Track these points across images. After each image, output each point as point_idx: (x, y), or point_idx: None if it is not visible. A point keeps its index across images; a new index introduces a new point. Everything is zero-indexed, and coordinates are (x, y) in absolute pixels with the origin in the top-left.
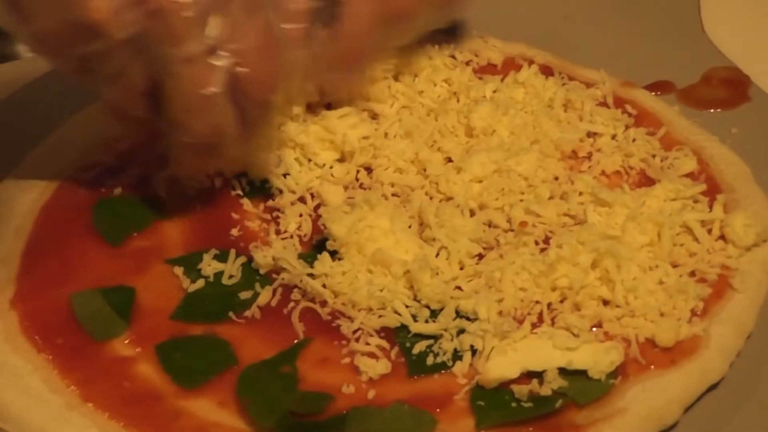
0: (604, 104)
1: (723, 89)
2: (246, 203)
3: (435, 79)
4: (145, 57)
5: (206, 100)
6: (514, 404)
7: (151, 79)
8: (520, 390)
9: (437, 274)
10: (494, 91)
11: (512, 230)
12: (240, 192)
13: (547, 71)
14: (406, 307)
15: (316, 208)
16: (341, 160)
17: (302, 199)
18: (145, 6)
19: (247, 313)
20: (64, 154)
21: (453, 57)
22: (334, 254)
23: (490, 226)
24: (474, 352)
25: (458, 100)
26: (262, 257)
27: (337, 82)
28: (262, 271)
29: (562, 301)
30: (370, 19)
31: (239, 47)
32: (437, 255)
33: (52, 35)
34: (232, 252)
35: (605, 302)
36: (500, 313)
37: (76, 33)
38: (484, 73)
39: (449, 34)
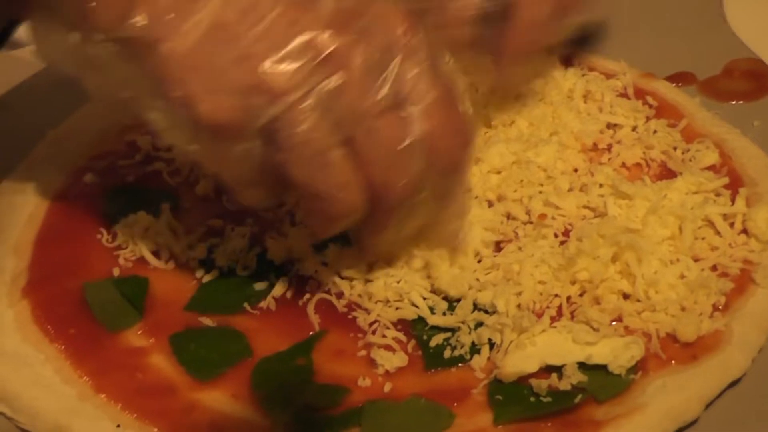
0: (624, 95)
1: (745, 81)
2: None
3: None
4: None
5: (404, 153)
6: (532, 399)
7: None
8: (539, 384)
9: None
10: None
11: (531, 222)
12: None
13: (566, 62)
14: (424, 299)
15: None
16: None
17: None
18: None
19: (262, 305)
20: (77, 143)
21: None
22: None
23: (508, 218)
24: (492, 345)
25: (477, 90)
26: (277, 248)
27: (511, 78)
28: (277, 262)
29: (581, 295)
30: (547, 10)
31: (421, 105)
32: None
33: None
34: (247, 242)
35: (625, 296)
36: (519, 306)
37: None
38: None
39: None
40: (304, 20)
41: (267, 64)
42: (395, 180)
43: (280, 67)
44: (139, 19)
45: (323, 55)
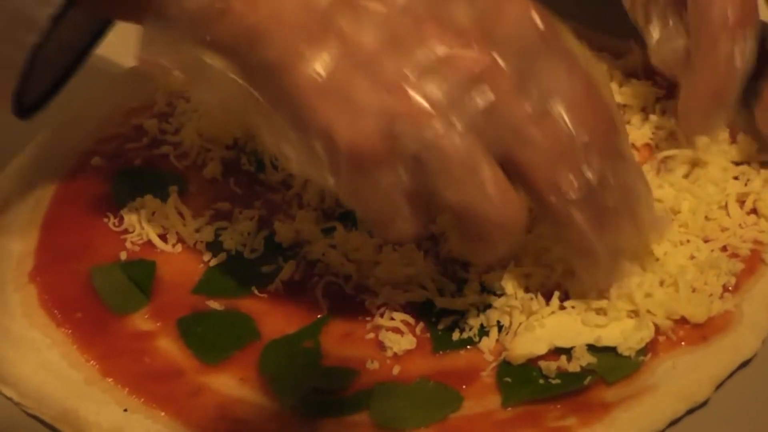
0: (634, 75)
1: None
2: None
3: None
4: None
5: (563, 150)
6: (541, 381)
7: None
8: (548, 366)
9: None
10: None
11: None
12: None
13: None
14: (432, 281)
15: None
16: None
17: None
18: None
19: (270, 288)
20: (83, 126)
21: None
22: (352, 226)
23: None
24: (501, 327)
25: None
26: (285, 230)
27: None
28: (285, 245)
29: None
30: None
31: (564, 100)
32: None
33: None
34: (255, 225)
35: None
36: (527, 288)
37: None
38: None
39: None
40: (442, 36)
41: (411, 88)
42: (562, 178)
43: (426, 90)
44: (267, 53)
45: (469, 75)
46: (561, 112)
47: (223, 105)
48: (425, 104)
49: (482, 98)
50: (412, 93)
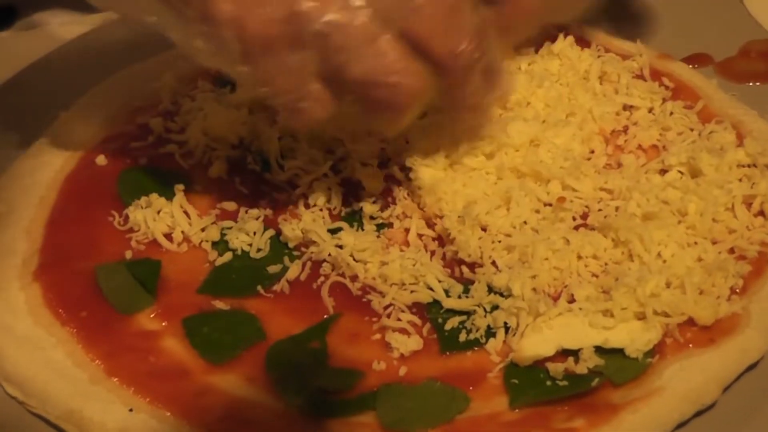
0: (640, 77)
1: (762, 62)
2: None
3: None
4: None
5: (455, 15)
6: (549, 383)
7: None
8: (556, 368)
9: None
10: (529, 64)
11: (549, 205)
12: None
13: (582, 43)
14: (439, 281)
15: (343, 182)
16: None
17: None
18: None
19: (276, 288)
20: (89, 125)
21: None
22: (359, 227)
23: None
24: (507, 329)
25: None
26: (291, 230)
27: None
28: (291, 245)
29: (597, 276)
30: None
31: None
32: None
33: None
34: (261, 225)
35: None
36: (534, 289)
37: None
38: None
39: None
40: None
41: None
42: (457, 43)
43: None
44: None
45: None
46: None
47: (140, 16)
48: None
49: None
50: None
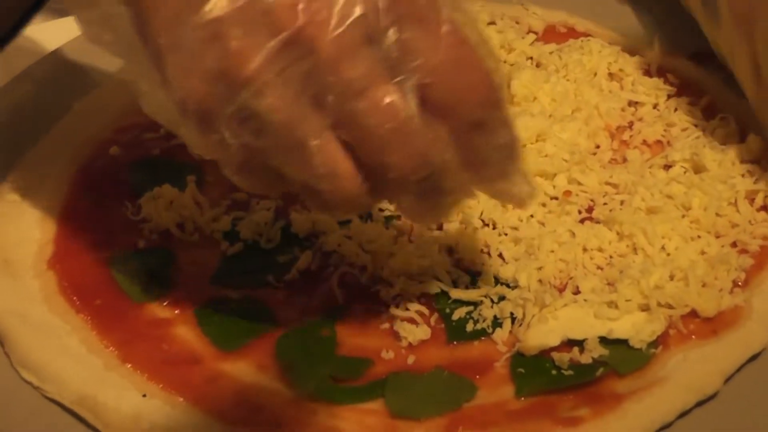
0: (647, 73)
1: None
2: None
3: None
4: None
5: (397, 130)
6: (554, 372)
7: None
8: (561, 358)
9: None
10: (551, 53)
11: (556, 198)
12: None
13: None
14: (447, 272)
15: None
16: None
17: None
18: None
19: (286, 277)
20: (102, 116)
21: (494, 23)
22: (367, 218)
23: None
24: (514, 319)
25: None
26: (301, 221)
27: None
28: (301, 235)
29: (602, 269)
30: None
31: (424, 62)
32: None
33: (202, 99)
34: (271, 215)
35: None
36: (540, 281)
37: (225, 91)
38: None
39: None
40: None
41: (233, 44)
42: (392, 160)
43: (245, 49)
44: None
45: (292, 30)
46: (409, 79)
47: (126, 57)
48: (247, 61)
49: (306, 59)
50: (236, 49)
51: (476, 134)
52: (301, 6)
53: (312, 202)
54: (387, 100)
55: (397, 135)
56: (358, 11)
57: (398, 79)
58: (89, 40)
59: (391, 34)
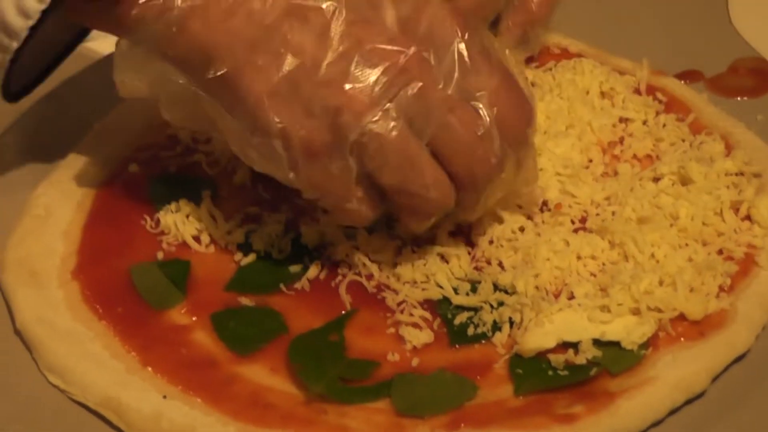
0: (636, 91)
1: (750, 78)
2: None
3: None
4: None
5: (482, 140)
6: (550, 372)
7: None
8: (557, 359)
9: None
10: (545, 72)
11: (549, 210)
12: None
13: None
14: (448, 280)
15: None
16: None
17: None
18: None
19: (297, 286)
20: (122, 135)
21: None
22: (372, 231)
23: None
24: (512, 323)
25: None
26: (311, 233)
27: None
28: (310, 246)
29: (595, 275)
30: None
31: (486, 92)
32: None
33: (308, 139)
34: (282, 228)
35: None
36: (537, 287)
37: (332, 127)
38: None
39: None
40: (372, 37)
41: (347, 85)
42: (479, 167)
43: (359, 86)
44: (221, 67)
45: (398, 67)
46: (481, 100)
47: (189, 121)
48: (362, 98)
49: (410, 88)
50: (350, 90)
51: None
52: (402, 43)
53: (408, 214)
54: (473, 113)
55: (482, 143)
56: (441, 41)
57: (475, 98)
58: (124, 94)
59: (465, 64)
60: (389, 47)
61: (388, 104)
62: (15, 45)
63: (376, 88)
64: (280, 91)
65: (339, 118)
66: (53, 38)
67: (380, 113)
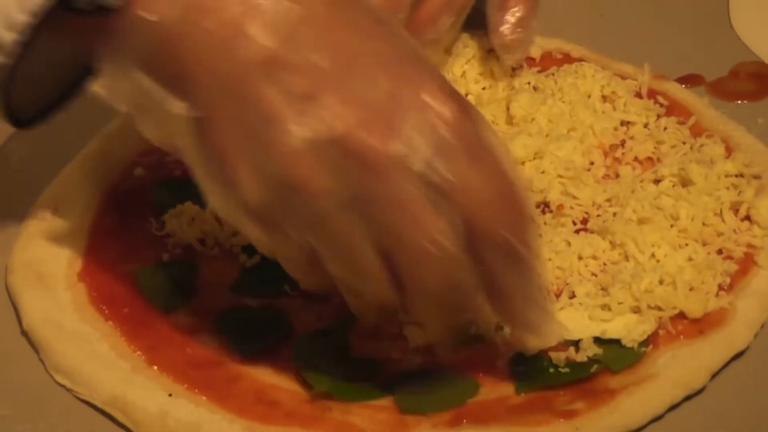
0: (637, 95)
1: (750, 82)
2: None
3: (476, 70)
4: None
5: (433, 253)
6: (551, 370)
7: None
8: (558, 357)
9: None
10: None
11: (551, 211)
12: None
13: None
14: None
15: None
16: None
17: None
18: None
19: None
20: (127, 140)
21: (493, 50)
22: None
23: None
24: None
25: (502, 89)
26: None
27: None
28: None
29: (596, 275)
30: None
31: (468, 199)
32: None
33: (262, 204)
34: None
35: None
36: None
37: (284, 200)
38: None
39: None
40: (347, 111)
41: (304, 158)
42: (422, 280)
43: (317, 164)
44: (194, 95)
45: (364, 158)
46: (448, 205)
47: (166, 143)
48: (313, 180)
49: (367, 182)
50: (304, 163)
51: (507, 266)
52: (359, 121)
53: (352, 303)
54: (433, 223)
55: (431, 256)
56: (416, 140)
57: (446, 214)
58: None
59: (440, 167)
60: (360, 132)
61: (343, 194)
62: (5, 61)
63: (334, 176)
64: (237, 142)
65: (289, 195)
66: (63, 62)
67: (331, 204)
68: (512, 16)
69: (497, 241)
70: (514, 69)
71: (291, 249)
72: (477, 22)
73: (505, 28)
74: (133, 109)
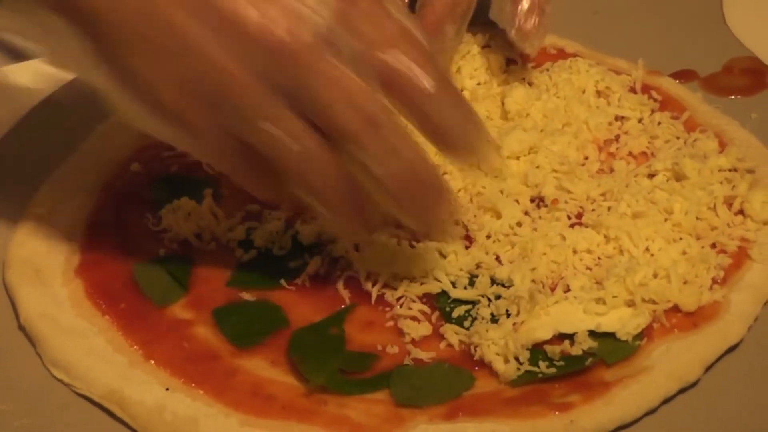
0: (632, 90)
1: (743, 78)
2: None
3: (472, 66)
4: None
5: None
6: (547, 363)
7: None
8: (553, 350)
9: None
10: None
11: (546, 206)
12: None
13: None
14: (446, 274)
15: None
16: None
17: None
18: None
19: (297, 281)
20: (124, 136)
21: (488, 46)
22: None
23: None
24: (509, 316)
25: (497, 84)
26: (308, 231)
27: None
28: (306, 243)
29: (590, 269)
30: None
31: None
32: None
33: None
34: (282, 225)
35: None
36: (533, 281)
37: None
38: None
39: (486, 25)
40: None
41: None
42: (339, 114)
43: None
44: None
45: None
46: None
47: (77, 70)
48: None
49: (288, 68)
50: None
51: (433, 107)
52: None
53: (317, 208)
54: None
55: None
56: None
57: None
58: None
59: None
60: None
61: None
62: None
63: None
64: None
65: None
66: None
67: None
68: (527, 2)
69: (414, 82)
70: (529, 58)
71: (214, 142)
72: (471, 19)
73: (521, 16)
74: (44, 46)
